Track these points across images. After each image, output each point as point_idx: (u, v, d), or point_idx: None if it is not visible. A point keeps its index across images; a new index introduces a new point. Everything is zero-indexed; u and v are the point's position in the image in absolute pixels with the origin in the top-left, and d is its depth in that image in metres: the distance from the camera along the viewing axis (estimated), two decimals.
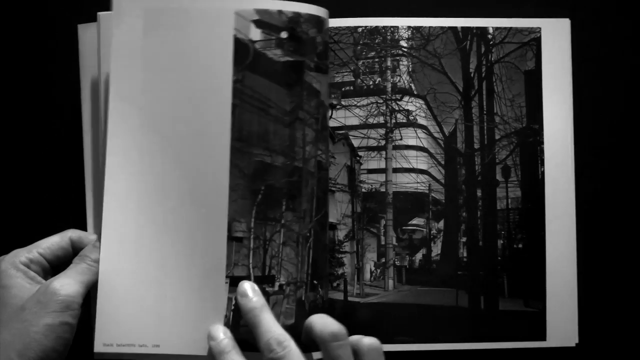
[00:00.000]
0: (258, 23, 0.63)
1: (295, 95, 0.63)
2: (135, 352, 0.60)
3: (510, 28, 0.67)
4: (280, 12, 0.63)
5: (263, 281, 0.62)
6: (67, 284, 0.55)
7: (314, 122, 0.64)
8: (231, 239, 0.61)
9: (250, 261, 0.62)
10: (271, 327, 0.56)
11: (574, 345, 0.65)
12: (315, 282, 0.63)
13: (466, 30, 0.67)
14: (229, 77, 0.62)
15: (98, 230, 0.63)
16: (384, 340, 0.63)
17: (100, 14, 0.63)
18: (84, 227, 0.64)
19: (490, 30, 0.67)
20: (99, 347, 0.60)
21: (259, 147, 0.62)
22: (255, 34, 0.63)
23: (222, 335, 0.58)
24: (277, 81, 0.63)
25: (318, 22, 0.64)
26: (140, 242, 0.61)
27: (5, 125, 0.69)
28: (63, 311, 0.54)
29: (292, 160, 0.63)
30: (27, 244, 0.58)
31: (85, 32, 0.65)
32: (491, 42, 0.68)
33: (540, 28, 0.67)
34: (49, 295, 0.54)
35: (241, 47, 0.62)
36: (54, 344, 0.53)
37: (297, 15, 0.63)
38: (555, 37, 0.67)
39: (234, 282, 0.61)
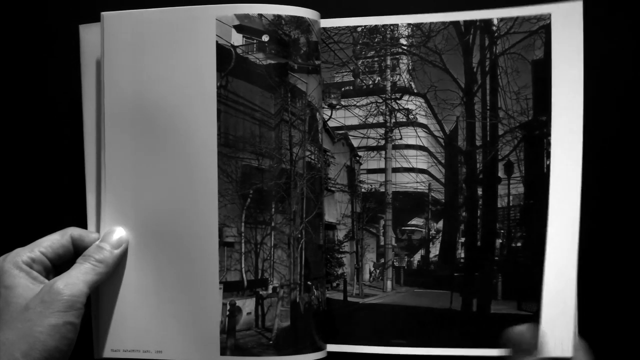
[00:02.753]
0: (239, 28, 0.63)
1: (280, 98, 0.63)
2: (139, 358, 0.63)
3: (517, 17, 0.65)
4: (260, 15, 0.62)
5: (256, 285, 0.63)
6: (71, 283, 0.56)
7: (301, 123, 0.64)
8: (222, 244, 0.63)
9: (242, 265, 0.63)
10: None
11: (569, 357, 0.60)
12: (309, 282, 0.64)
13: (469, 23, 0.65)
14: (213, 83, 0.62)
15: (98, 229, 0.64)
16: (381, 343, 0.63)
17: (104, 13, 0.64)
18: (84, 226, 0.65)
19: (495, 22, 0.65)
20: (106, 352, 0.63)
21: (245, 151, 0.63)
22: (237, 38, 0.63)
23: None
24: (260, 84, 0.63)
25: (302, 23, 0.63)
26: (139, 252, 0.63)
27: (6, 125, 0.70)
28: (67, 311, 0.55)
29: (279, 163, 0.63)
30: (28, 243, 0.59)
31: (87, 33, 0.66)
32: (496, 34, 0.65)
33: (550, 14, 0.63)
34: (53, 295, 0.55)
35: (223, 52, 0.63)
36: (58, 343, 0.54)
37: (278, 17, 0.63)
38: (567, 22, 0.63)
39: (227, 287, 0.63)
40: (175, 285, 0.63)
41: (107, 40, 0.64)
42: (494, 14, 0.65)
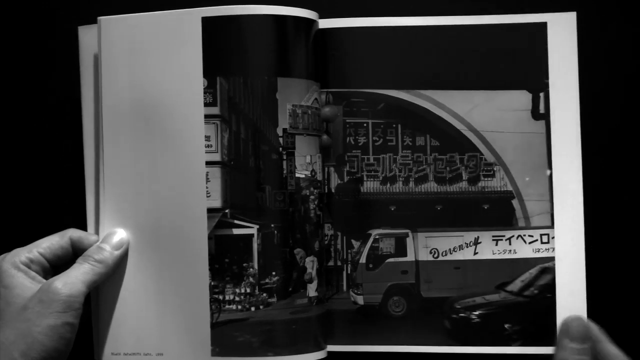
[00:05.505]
0: None
1: None
2: None
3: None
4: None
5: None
6: (70, 283, 0.56)
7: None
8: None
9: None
10: None
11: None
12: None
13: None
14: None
15: (98, 231, 0.64)
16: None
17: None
18: (83, 227, 0.65)
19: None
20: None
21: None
22: None
23: None
24: None
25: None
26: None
27: (5, 126, 0.71)
28: (65, 311, 0.55)
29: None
30: (27, 244, 0.60)
31: (86, 34, 0.66)
32: None
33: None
34: (51, 295, 0.55)
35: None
36: (57, 344, 0.54)
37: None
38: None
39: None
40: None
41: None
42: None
